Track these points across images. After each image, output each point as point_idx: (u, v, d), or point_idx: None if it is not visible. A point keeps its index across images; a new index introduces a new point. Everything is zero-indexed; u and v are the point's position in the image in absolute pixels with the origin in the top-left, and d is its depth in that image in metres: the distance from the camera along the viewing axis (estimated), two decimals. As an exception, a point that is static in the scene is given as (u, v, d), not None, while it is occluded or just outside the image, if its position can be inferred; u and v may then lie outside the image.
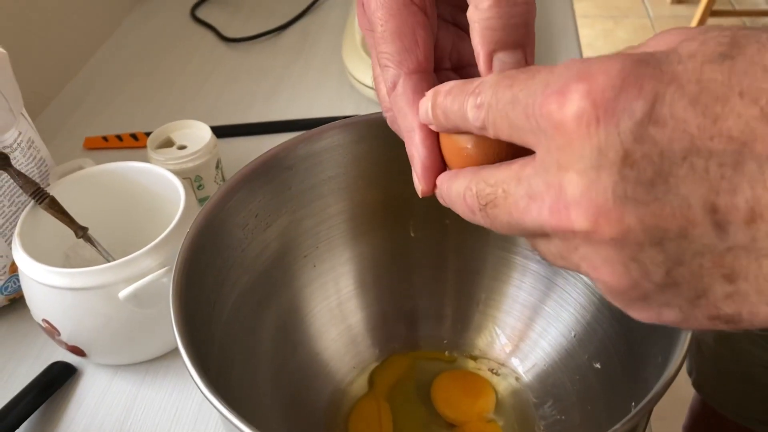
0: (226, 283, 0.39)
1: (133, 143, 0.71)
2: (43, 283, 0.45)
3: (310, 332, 0.45)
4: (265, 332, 0.41)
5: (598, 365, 0.41)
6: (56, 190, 0.50)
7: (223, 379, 0.36)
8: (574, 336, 0.43)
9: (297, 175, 0.42)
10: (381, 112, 0.43)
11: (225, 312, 0.38)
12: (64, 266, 0.45)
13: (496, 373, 0.45)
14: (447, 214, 0.46)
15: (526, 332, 0.45)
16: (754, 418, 0.66)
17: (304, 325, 0.44)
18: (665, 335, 0.34)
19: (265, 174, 0.40)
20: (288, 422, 0.41)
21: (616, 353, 0.40)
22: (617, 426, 0.27)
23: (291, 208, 0.42)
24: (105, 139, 0.72)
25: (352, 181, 0.44)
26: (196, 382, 0.30)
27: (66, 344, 0.48)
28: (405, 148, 0.44)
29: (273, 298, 0.42)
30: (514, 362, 0.45)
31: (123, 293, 0.43)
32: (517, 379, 0.45)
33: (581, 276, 0.43)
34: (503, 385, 0.45)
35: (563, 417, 0.42)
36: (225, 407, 0.28)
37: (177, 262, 0.35)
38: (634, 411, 0.27)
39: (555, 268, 0.44)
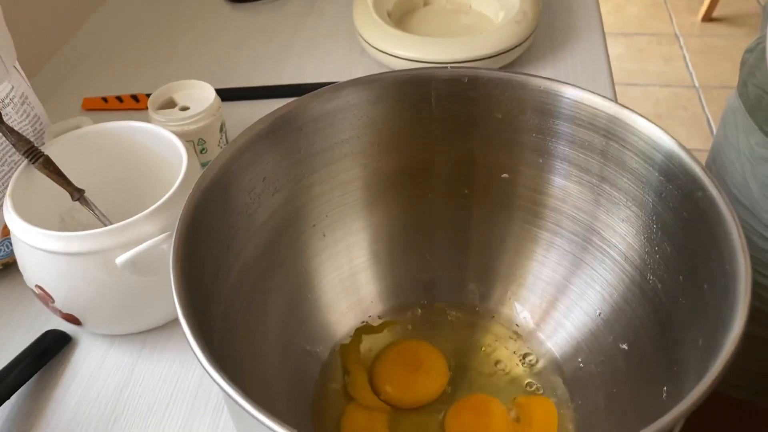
0: (230, 250, 0.36)
1: (133, 105, 0.68)
2: (36, 247, 0.42)
3: (320, 304, 0.42)
4: (271, 303, 0.38)
5: (624, 346, 0.39)
6: (51, 150, 0.46)
7: (226, 351, 0.33)
8: (600, 315, 0.40)
9: (308, 136, 0.38)
10: (400, 71, 0.40)
11: (229, 281, 0.35)
12: (59, 230, 0.42)
13: (523, 363, 0.42)
14: (466, 183, 0.44)
15: (549, 311, 0.42)
16: (736, 385, 0.64)
17: (313, 296, 0.42)
18: (705, 316, 0.32)
19: (274, 134, 0.37)
20: (293, 396, 0.39)
21: (646, 334, 0.37)
22: (665, 419, 0.24)
23: (300, 172, 0.39)
24: (104, 100, 0.68)
25: (366, 145, 0.41)
26: (197, 356, 0.27)
27: (60, 312, 0.45)
28: (424, 111, 0.41)
29: (280, 267, 0.39)
30: (536, 341, 0.43)
31: (120, 259, 0.40)
32: (538, 358, 0.42)
33: (610, 252, 0.40)
34: (523, 365, 0.42)
35: (586, 400, 0.39)
36: (227, 382, 0.25)
37: (178, 226, 0.32)
38: (682, 403, 0.24)
39: (582, 243, 0.41)
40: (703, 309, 0.32)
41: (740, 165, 0.56)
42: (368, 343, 0.42)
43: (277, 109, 0.37)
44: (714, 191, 0.32)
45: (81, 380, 0.45)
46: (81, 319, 0.45)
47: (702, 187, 0.33)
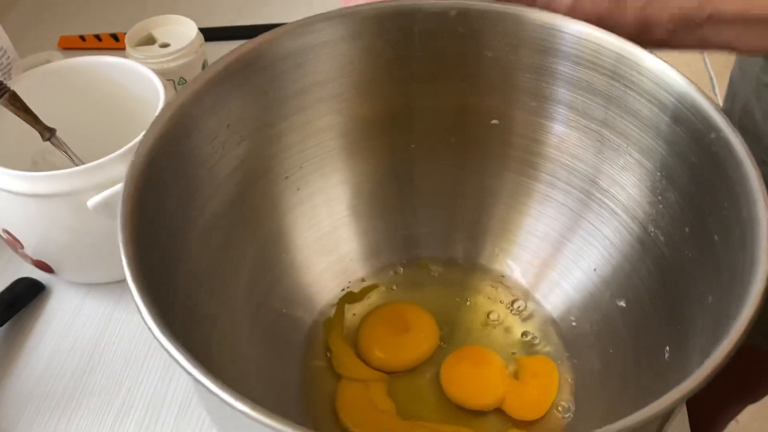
0: (192, 206, 0.32)
1: (112, 44, 0.63)
2: (2, 188, 0.38)
3: (295, 263, 0.38)
4: (240, 264, 0.35)
5: (622, 303, 0.36)
6: (19, 85, 0.43)
7: (189, 319, 0.30)
8: (595, 271, 0.37)
9: (276, 78, 0.34)
10: (379, 3, 0.35)
11: (191, 241, 0.31)
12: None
13: (512, 310, 0.39)
14: (453, 131, 0.40)
15: (541, 267, 0.39)
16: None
17: (287, 255, 0.38)
18: (717, 270, 0.28)
19: (237, 75, 0.33)
20: (267, 362, 0.36)
21: (646, 291, 0.34)
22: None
23: (269, 119, 0.35)
24: (82, 38, 0.64)
25: (342, 89, 0.37)
26: (147, 324, 0.23)
27: (31, 258, 0.42)
28: (407, 50, 0.36)
29: (249, 224, 0.36)
30: (526, 298, 0.39)
31: (92, 202, 0.37)
32: (529, 314, 0.39)
33: (608, 203, 0.36)
34: (513, 314, 0.39)
35: (581, 359, 0.37)
36: (188, 359, 0.22)
37: (127, 179, 0.28)
38: (701, 372, 0.21)
39: (578, 194, 0.37)
40: (713, 262, 0.29)
41: (749, 91, 0.53)
42: (351, 311, 0.39)
43: (240, 46, 0.33)
44: (729, 132, 0.28)
45: (55, 330, 0.42)
46: (53, 267, 0.42)
47: (716, 129, 0.29)
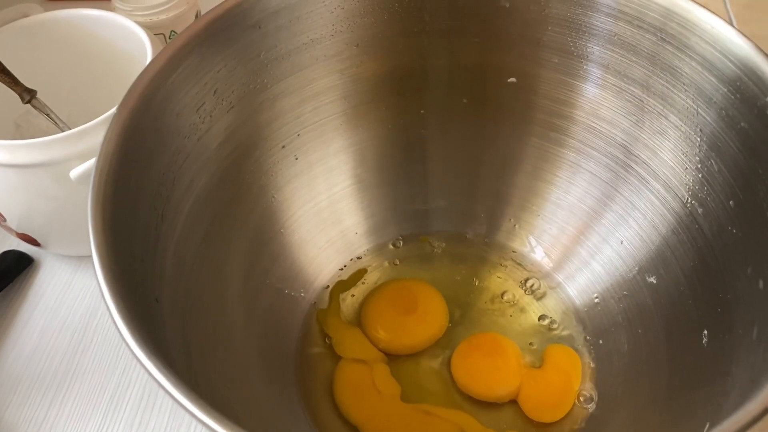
0: (178, 183, 0.28)
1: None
2: (-23, 157, 0.35)
3: (293, 240, 0.35)
4: (234, 244, 0.32)
5: (652, 280, 0.32)
6: None
7: (179, 309, 0.26)
8: (622, 243, 0.34)
9: (268, 36, 0.30)
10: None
11: (179, 222, 0.28)
12: (14, 138, 0.35)
13: (525, 289, 0.36)
14: (466, 91, 0.35)
15: (563, 240, 0.36)
16: None
17: (285, 231, 0.35)
18: (765, 252, 0.25)
19: (223, 33, 0.28)
20: (267, 347, 0.33)
21: (680, 267, 0.31)
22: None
23: (262, 82, 0.31)
24: (65, -10, 0.58)
25: (342, 46, 0.32)
26: (121, 333, 0.20)
27: (15, 232, 0.39)
28: (414, 1, 0.32)
29: (244, 200, 0.32)
30: (544, 272, 0.36)
31: (74, 172, 0.34)
32: (547, 291, 0.36)
33: (636, 169, 0.32)
34: (528, 295, 0.36)
35: (605, 341, 0.33)
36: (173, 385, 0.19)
37: (99, 160, 0.24)
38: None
39: (611, 166, 0.33)
40: (765, 241, 0.25)
41: None
42: (350, 294, 0.36)
43: (224, 1, 0.28)
44: (791, 94, 0.24)
45: (45, 306, 0.40)
46: (39, 240, 0.39)
47: (773, 90, 0.24)
